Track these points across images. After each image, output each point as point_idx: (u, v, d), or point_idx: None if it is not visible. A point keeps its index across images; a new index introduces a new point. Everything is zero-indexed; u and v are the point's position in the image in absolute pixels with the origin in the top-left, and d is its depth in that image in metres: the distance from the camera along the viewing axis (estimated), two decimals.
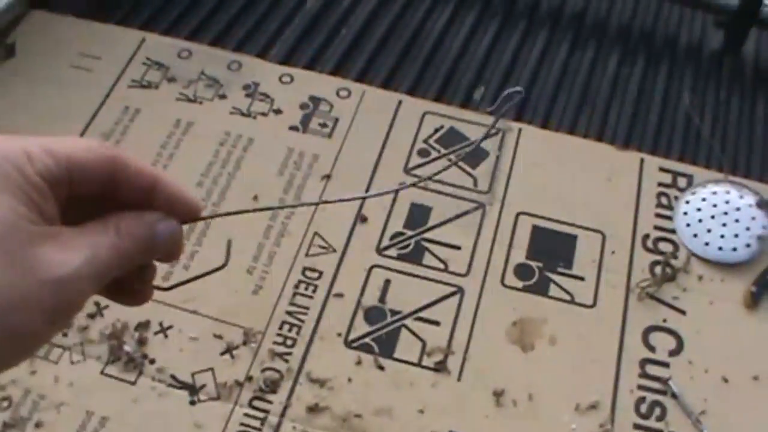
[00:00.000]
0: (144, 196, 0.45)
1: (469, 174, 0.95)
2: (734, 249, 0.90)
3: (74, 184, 0.42)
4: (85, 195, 0.44)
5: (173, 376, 0.82)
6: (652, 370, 0.84)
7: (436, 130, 0.99)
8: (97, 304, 0.85)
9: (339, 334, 0.84)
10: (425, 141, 0.98)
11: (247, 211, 0.53)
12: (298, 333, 0.84)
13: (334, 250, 0.89)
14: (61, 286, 0.40)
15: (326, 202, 0.57)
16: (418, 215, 0.92)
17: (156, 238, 0.45)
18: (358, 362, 0.83)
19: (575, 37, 1.12)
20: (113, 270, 0.43)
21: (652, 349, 0.85)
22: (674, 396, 0.82)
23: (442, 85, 1.05)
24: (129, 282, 0.46)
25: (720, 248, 0.90)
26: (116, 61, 1.05)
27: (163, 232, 0.45)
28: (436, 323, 0.85)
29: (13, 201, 0.39)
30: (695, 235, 0.92)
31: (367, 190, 0.94)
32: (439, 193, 0.94)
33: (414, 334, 0.85)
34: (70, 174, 0.42)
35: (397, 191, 0.89)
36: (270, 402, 0.81)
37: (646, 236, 0.92)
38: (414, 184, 0.83)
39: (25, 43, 1.06)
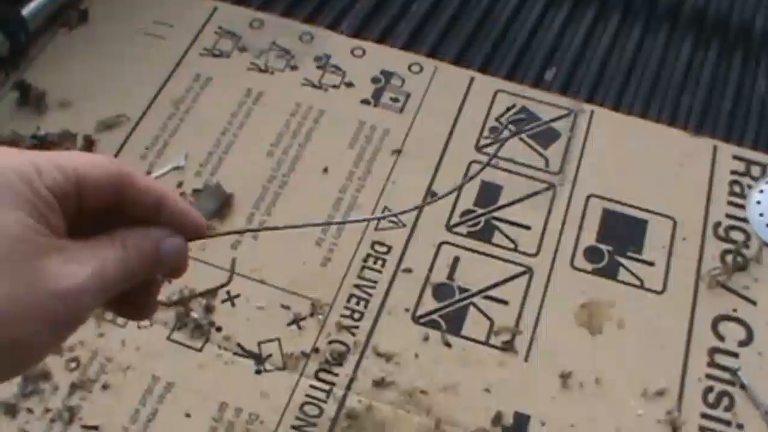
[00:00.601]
0: (150, 212, 0.46)
1: (541, 154, 0.95)
2: None
3: (82, 198, 0.43)
4: (92, 209, 0.44)
5: (239, 345, 0.82)
6: (721, 359, 0.83)
7: (508, 109, 0.98)
8: None
9: (407, 310, 0.84)
10: (497, 119, 0.97)
11: (253, 230, 0.53)
12: (365, 306, 0.84)
13: (404, 225, 0.89)
14: (67, 298, 0.41)
15: (353, 221, 0.57)
16: (488, 193, 0.92)
17: (162, 254, 0.46)
18: (426, 338, 0.83)
19: (648, 20, 1.10)
20: (119, 284, 0.44)
21: (721, 338, 0.84)
22: (743, 387, 0.82)
23: (513, 64, 1.04)
24: (134, 296, 0.47)
25: None
26: (188, 29, 1.05)
27: (169, 248, 0.46)
28: (505, 302, 0.85)
29: (22, 214, 0.40)
30: None
31: (437, 166, 0.93)
32: (510, 172, 0.93)
33: (482, 312, 0.84)
34: (78, 188, 0.42)
35: (420, 208, 0.88)
36: (336, 374, 0.81)
37: (718, 224, 0.91)
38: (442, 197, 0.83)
39: (98, 9, 1.06)
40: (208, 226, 0.86)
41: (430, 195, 0.91)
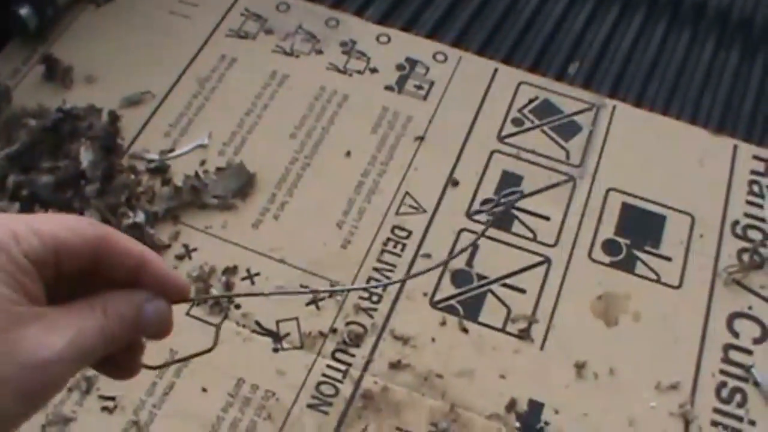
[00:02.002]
0: (132, 274, 0.45)
1: (562, 147, 0.95)
2: None
3: (60, 264, 0.42)
4: (71, 274, 0.43)
5: (258, 323, 0.83)
6: (735, 356, 0.84)
7: (531, 101, 0.99)
8: (185, 245, 0.86)
9: (425, 294, 0.85)
10: (519, 110, 0.98)
11: (231, 296, 0.53)
12: (384, 290, 0.85)
13: (425, 211, 0.90)
14: (42, 369, 0.40)
15: (361, 288, 0.55)
16: (509, 183, 0.92)
17: (143, 318, 0.45)
18: (443, 323, 0.83)
19: (672, 18, 1.11)
20: (98, 351, 0.43)
21: (736, 335, 0.85)
22: (756, 384, 0.82)
23: (537, 57, 1.05)
24: (117, 358, 0.46)
25: None
26: (214, 10, 1.05)
27: (151, 313, 0.45)
28: (522, 291, 0.86)
29: None
30: None
31: (459, 155, 0.94)
32: (531, 163, 0.94)
33: (499, 299, 0.85)
34: (56, 254, 0.42)
35: (446, 263, 0.87)
36: (353, 355, 0.81)
37: (736, 222, 0.91)
38: (462, 251, 0.83)
39: None
40: (231, 204, 0.87)
41: (452, 184, 0.92)
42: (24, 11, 0.98)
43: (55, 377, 0.40)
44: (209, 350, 0.54)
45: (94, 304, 0.43)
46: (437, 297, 0.85)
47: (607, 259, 0.88)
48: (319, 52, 1.02)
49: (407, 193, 0.91)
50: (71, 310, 0.43)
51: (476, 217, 0.90)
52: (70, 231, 0.43)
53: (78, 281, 0.44)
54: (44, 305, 0.42)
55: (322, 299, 0.84)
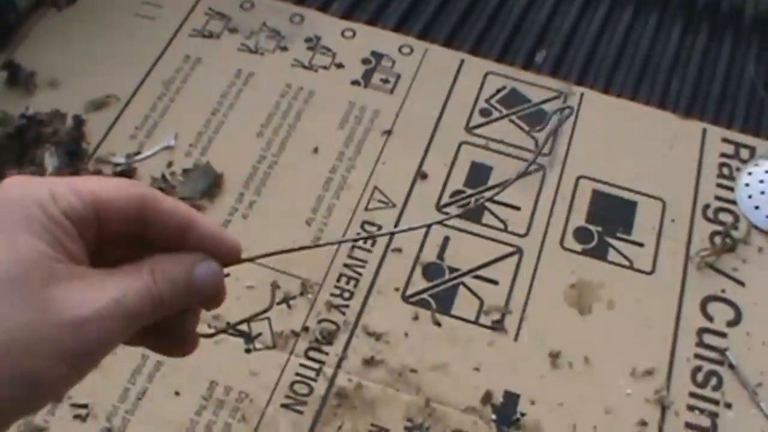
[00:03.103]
0: (178, 237, 0.43)
1: (531, 136, 0.95)
2: None
3: (102, 223, 0.41)
4: (116, 236, 0.42)
5: (228, 323, 0.82)
6: (709, 339, 0.83)
7: (498, 91, 0.98)
8: None
9: (396, 289, 0.84)
10: (487, 101, 0.97)
11: (290, 251, 0.51)
12: (355, 286, 0.84)
13: (394, 205, 0.89)
14: (81, 327, 0.38)
15: (358, 239, 0.55)
16: (478, 174, 0.92)
17: (195, 281, 0.43)
18: (415, 317, 0.83)
19: (638, 4, 1.10)
20: (146, 314, 0.41)
21: (710, 318, 0.84)
22: (731, 367, 0.82)
23: (503, 47, 1.04)
24: (171, 329, 0.45)
25: None
26: (178, 10, 1.05)
27: (203, 275, 0.43)
28: (495, 282, 0.85)
29: (35, 239, 0.38)
30: (756, 207, 0.91)
31: (427, 147, 0.93)
32: (500, 153, 0.93)
33: (472, 292, 0.84)
34: (97, 213, 0.41)
35: (429, 226, 0.87)
36: (326, 353, 0.81)
37: (707, 206, 0.91)
38: (442, 222, 0.83)
39: None
40: (199, 206, 0.86)
41: (420, 177, 0.91)
42: None
43: (96, 338, 0.38)
44: (267, 310, 0.52)
45: (142, 266, 0.42)
46: (409, 291, 0.84)
47: (579, 247, 0.88)
48: (284, 49, 1.01)
49: (376, 187, 0.90)
50: (116, 272, 0.41)
51: (446, 210, 0.89)
52: (110, 190, 0.41)
53: (124, 247, 0.43)
54: (86, 266, 0.41)
55: (298, 295, 0.83)
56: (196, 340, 0.47)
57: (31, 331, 0.37)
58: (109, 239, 0.42)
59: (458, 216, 0.88)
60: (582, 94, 0.99)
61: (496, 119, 0.96)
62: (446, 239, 0.87)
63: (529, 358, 0.81)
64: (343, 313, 0.83)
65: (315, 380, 0.79)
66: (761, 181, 0.92)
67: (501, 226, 0.89)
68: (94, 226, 0.41)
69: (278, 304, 0.83)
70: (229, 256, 0.45)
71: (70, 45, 1.01)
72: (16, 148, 0.89)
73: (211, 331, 0.50)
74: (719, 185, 0.93)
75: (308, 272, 0.85)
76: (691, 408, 0.80)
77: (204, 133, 0.94)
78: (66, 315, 0.38)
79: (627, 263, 0.87)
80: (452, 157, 0.93)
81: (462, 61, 1.01)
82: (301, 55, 1.00)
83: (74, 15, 1.04)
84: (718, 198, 0.92)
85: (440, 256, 0.86)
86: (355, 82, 0.98)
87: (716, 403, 0.80)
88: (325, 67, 1.00)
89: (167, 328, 0.44)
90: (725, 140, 0.96)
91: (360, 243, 0.87)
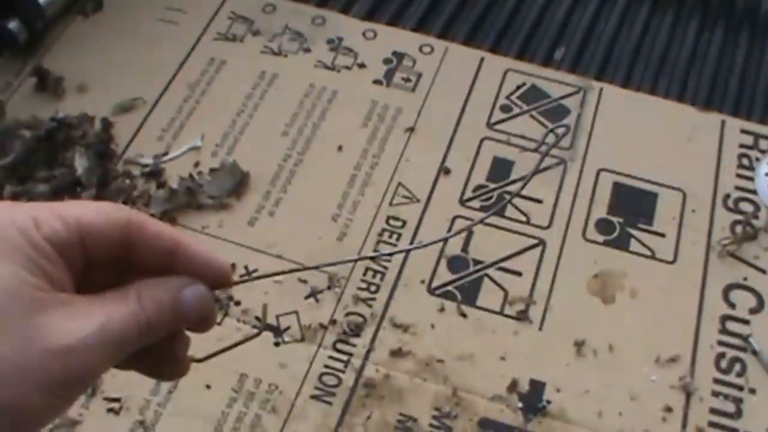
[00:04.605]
0: (166, 261, 0.43)
1: (551, 131, 0.96)
2: None
3: (87, 248, 0.41)
4: (102, 261, 0.42)
5: (258, 318, 0.83)
6: (732, 326, 0.84)
7: (518, 87, 1.00)
8: None
9: (422, 282, 0.86)
10: (507, 97, 0.99)
11: (276, 274, 0.51)
12: (381, 279, 0.86)
13: (418, 200, 0.91)
14: (65, 356, 0.37)
15: (372, 257, 0.56)
16: (500, 169, 0.93)
17: (182, 305, 0.42)
18: (441, 309, 0.84)
19: (655, 0, 1.11)
20: (133, 341, 0.41)
21: (732, 306, 0.85)
22: (755, 353, 0.83)
23: (522, 45, 1.05)
24: (161, 354, 0.44)
25: None
26: (201, 15, 1.06)
27: (191, 298, 0.43)
28: (518, 273, 0.86)
29: (16, 267, 0.38)
30: None
31: (450, 144, 0.95)
32: (521, 148, 0.95)
33: (496, 283, 0.86)
34: (81, 238, 0.40)
35: (446, 239, 0.88)
36: (354, 345, 0.82)
37: (727, 196, 0.92)
38: (463, 231, 0.83)
39: None
40: (226, 204, 0.88)
41: (444, 172, 0.93)
42: (13, 25, 0.99)
43: (81, 366, 0.38)
44: (257, 335, 0.52)
45: (128, 291, 0.41)
46: (435, 284, 0.86)
47: (601, 238, 0.89)
48: (307, 50, 1.03)
49: (400, 183, 0.92)
50: (101, 298, 0.40)
51: (469, 204, 0.91)
52: (95, 214, 0.41)
53: (111, 272, 0.43)
54: (71, 293, 0.40)
55: (325, 289, 0.84)
56: (187, 364, 0.47)
57: (13, 362, 0.36)
58: (96, 264, 0.42)
59: (470, 227, 0.88)
60: (601, 89, 1.00)
61: (517, 115, 0.97)
62: (470, 232, 0.88)
63: (554, 347, 0.82)
64: (370, 306, 0.84)
65: (343, 372, 0.81)
66: None
67: (524, 219, 0.90)
68: (79, 251, 0.40)
69: (306, 298, 0.84)
70: (218, 279, 0.45)
71: (97, 51, 1.03)
72: (46, 150, 0.91)
73: (204, 355, 0.49)
74: (739, 175, 0.94)
75: (335, 267, 0.86)
76: (715, 394, 0.80)
77: (230, 134, 0.95)
78: (50, 344, 0.37)
79: (649, 253, 0.88)
80: (474, 153, 0.94)
81: (482, 59, 1.02)
82: (324, 56, 1.02)
83: (100, 21, 1.06)
84: (738, 188, 0.93)
85: (464, 248, 0.88)
86: (377, 82, 1.00)
87: (740, 388, 0.81)
88: (347, 68, 1.01)
89: (157, 353, 0.44)
90: (744, 131, 0.97)
91: (386, 237, 0.88)
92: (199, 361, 0.49)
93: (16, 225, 0.39)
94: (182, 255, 0.43)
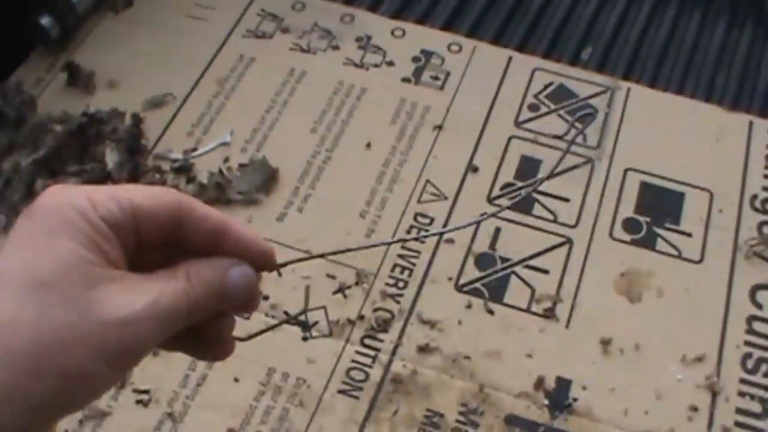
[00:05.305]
0: (213, 243, 0.44)
1: (578, 130, 0.96)
2: None
3: (141, 229, 0.42)
4: (153, 242, 0.43)
5: (286, 313, 0.84)
6: (759, 327, 0.84)
7: (546, 86, 1.00)
8: None
9: (450, 279, 0.86)
10: (535, 96, 0.99)
11: (325, 255, 0.52)
12: (409, 276, 0.86)
13: (446, 198, 0.91)
14: (120, 327, 0.39)
15: (403, 240, 0.55)
16: (528, 167, 0.94)
17: (228, 285, 0.44)
18: (468, 306, 0.85)
19: (682, 0, 1.11)
20: (182, 317, 0.42)
21: (759, 306, 0.85)
22: None
23: (550, 44, 1.06)
24: (206, 334, 0.46)
25: None
26: (231, 11, 1.07)
27: (236, 279, 0.44)
28: (545, 271, 0.87)
29: (74, 244, 0.40)
30: None
31: (478, 142, 0.95)
32: (549, 146, 0.95)
33: (523, 281, 0.86)
34: (135, 219, 0.42)
35: (479, 222, 0.88)
36: (381, 341, 0.83)
37: (755, 197, 0.92)
38: (494, 214, 0.83)
39: None
40: (255, 199, 0.88)
41: (471, 170, 0.93)
42: (45, 21, 1.00)
43: (134, 337, 0.40)
44: (303, 312, 0.53)
45: (177, 269, 0.43)
46: (462, 281, 0.86)
47: (628, 237, 0.89)
48: (336, 48, 1.03)
49: (428, 181, 0.92)
50: (153, 276, 0.42)
51: (497, 202, 0.91)
52: (147, 197, 0.42)
53: (160, 253, 0.44)
54: (124, 271, 0.42)
55: (353, 284, 0.85)
56: (231, 345, 0.48)
57: (72, 331, 0.39)
58: (147, 245, 0.43)
59: (505, 209, 0.89)
60: (629, 89, 1.00)
61: (545, 114, 0.98)
62: (498, 230, 0.89)
63: (580, 345, 0.83)
64: (398, 302, 0.85)
65: (371, 367, 0.81)
66: None
67: (551, 217, 0.90)
68: (133, 232, 0.42)
69: (334, 293, 0.85)
70: (263, 261, 0.46)
71: (127, 46, 1.04)
72: (78, 145, 0.92)
73: (248, 334, 0.51)
74: (766, 176, 0.94)
75: (363, 263, 0.87)
76: (741, 394, 0.81)
77: (259, 130, 0.96)
78: (106, 315, 0.39)
79: (675, 253, 0.88)
80: (502, 151, 0.95)
81: (510, 58, 1.03)
82: (353, 54, 1.03)
83: (131, 18, 1.07)
84: (765, 189, 0.93)
85: (492, 246, 0.88)
86: (405, 80, 1.01)
87: (767, 389, 0.81)
88: (376, 65, 1.02)
89: (203, 333, 0.46)
90: None
91: (414, 234, 0.89)
92: (243, 340, 0.50)
93: (74, 205, 0.40)
94: (228, 237, 0.44)
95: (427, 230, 0.89)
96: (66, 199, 0.41)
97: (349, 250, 0.52)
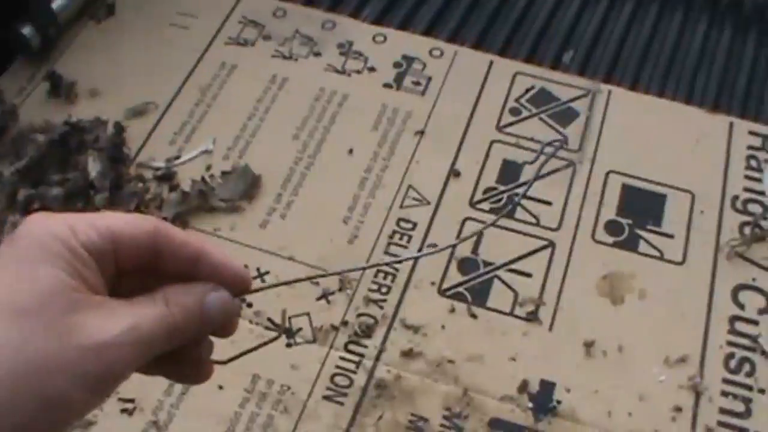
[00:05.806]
0: (190, 268, 0.45)
1: (560, 133, 0.97)
2: None
3: (120, 256, 0.43)
4: (133, 268, 0.44)
5: (270, 320, 0.84)
6: (741, 327, 0.85)
7: (527, 90, 1.00)
8: None
9: (433, 283, 0.86)
10: (517, 100, 0.99)
11: (299, 280, 0.53)
12: (392, 281, 0.86)
13: (428, 203, 0.91)
14: (100, 352, 0.40)
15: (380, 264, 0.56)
16: (510, 171, 0.94)
17: (206, 309, 0.45)
18: (452, 310, 0.85)
19: (663, 2, 1.12)
20: (161, 341, 0.43)
21: (741, 306, 0.86)
22: (764, 353, 0.83)
23: (531, 48, 1.06)
24: (185, 358, 0.47)
25: None
26: (212, 19, 1.07)
27: (214, 303, 0.45)
28: (528, 275, 0.87)
29: (56, 271, 0.40)
30: None
31: (459, 146, 0.95)
32: (531, 150, 0.95)
33: (506, 284, 0.86)
34: (114, 246, 0.43)
35: (454, 246, 0.88)
36: (365, 346, 0.83)
37: (735, 197, 0.93)
38: (474, 235, 0.83)
39: (124, 2, 1.09)
40: (238, 206, 0.89)
41: (454, 175, 0.93)
42: (26, 30, 1.00)
43: (113, 362, 0.41)
44: (278, 336, 0.53)
45: (156, 295, 0.44)
46: (445, 285, 0.86)
47: (610, 240, 0.90)
48: (317, 54, 1.04)
49: (410, 186, 0.93)
50: (132, 301, 0.43)
51: (479, 206, 0.91)
52: (126, 223, 0.43)
53: (140, 279, 0.45)
54: (104, 297, 0.43)
55: (336, 291, 0.85)
56: (210, 367, 0.49)
57: (52, 357, 0.39)
58: (126, 271, 0.44)
59: (489, 226, 0.89)
60: (610, 92, 1.00)
61: (526, 118, 0.98)
62: (480, 234, 0.89)
63: (563, 348, 0.83)
64: (381, 308, 0.85)
65: (355, 372, 0.81)
66: None
67: (533, 220, 0.90)
68: (112, 258, 0.43)
69: (318, 299, 0.85)
70: (239, 286, 0.47)
71: (109, 55, 1.04)
72: (60, 154, 0.92)
73: (227, 357, 0.51)
74: (747, 177, 0.94)
75: (346, 269, 0.86)
76: (724, 394, 0.81)
77: (241, 137, 0.96)
78: (86, 340, 0.40)
79: (658, 254, 0.89)
80: (484, 155, 0.95)
81: (491, 63, 1.03)
82: (334, 60, 1.03)
83: (112, 27, 1.07)
84: (746, 189, 0.93)
85: (475, 250, 0.88)
86: (387, 85, 1.01)
87: (750, 388, 0.81)
88: (357, 71, 1.02)
89: (182, 357, 0.46)
90: (752, 133, 0.98)
91: (396, 240, 0.89)
92: (223, 363, 0.50)
93: (55, 233, 0.41)
94: (206, 262, 0.45)
95: (410, 236, 0.89)
96: (47, 228, 0.42)
97: (323, 275, 0.52)
